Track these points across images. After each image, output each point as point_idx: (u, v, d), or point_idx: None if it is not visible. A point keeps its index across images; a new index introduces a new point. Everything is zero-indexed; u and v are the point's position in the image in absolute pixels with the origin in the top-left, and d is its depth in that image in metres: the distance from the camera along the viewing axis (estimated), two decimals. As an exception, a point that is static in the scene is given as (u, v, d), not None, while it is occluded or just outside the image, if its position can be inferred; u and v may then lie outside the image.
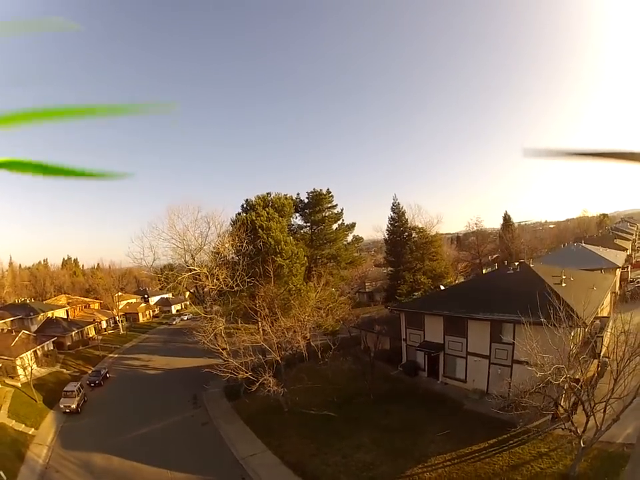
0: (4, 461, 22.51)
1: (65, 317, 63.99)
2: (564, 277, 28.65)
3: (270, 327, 30.38)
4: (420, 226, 53.95)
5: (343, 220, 50.52)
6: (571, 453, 18.11)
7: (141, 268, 45.60)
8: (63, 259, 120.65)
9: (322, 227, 50.04)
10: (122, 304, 77.53)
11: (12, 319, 51.68)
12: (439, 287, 45.47)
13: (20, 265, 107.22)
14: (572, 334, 18.03)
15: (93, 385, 38.94)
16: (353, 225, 51.30)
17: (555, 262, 43.43)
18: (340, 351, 34.81)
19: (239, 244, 38.52)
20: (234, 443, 25.95)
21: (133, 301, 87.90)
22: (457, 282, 62.66)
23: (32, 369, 34.90)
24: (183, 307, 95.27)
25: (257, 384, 26.74)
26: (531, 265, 32.42)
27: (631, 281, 50.48)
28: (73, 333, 55.27)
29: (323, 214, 49.76)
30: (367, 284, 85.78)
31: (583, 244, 58.01)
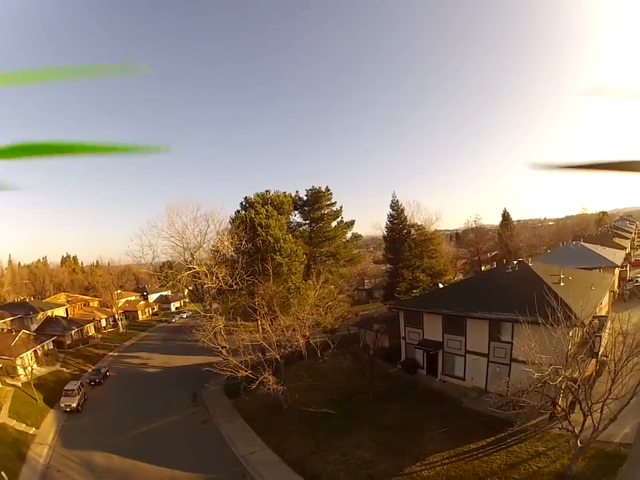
0: (5, 461, 22.59)
1: (65, 315, 64.07)
2: (562, 276, 28.74)
3: (269, 325, 30.47)
4: (419, 223, 53.92)
5: (342, 217, 50.59)
6: (568, 452, 18.21)
7: (140, 266, 45.57)
8: (62, 256, 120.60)
9: (321, 224, 50.08)
10: (121, 302, 77.58)
11: (12, 318, 51.67)
12: (438, 285, 45.56)
13: (19, 263, 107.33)
14: (570, 334, 18.13)
15: (93, 383, 39.05)
16: (351, 223, 51.34)
17: (554, 260, 43.53)
18: (339, 348, 34.93)
19: (238, 242, 38.52)
20: (234, 440, 26.08)
21: (132, 298, 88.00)
22: (455, 279, 62.80)
23: (32, 369, 34.93)
24: (182, 304, 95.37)
25: (257, 382, 26.82)
26: (530, 264, 32.51)
27: (629, 280, 50.51)
28: (73, 331, 55.36)
29: (322, 211, 49.78)
30: (365, 281, 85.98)
31: (582, 242, 58.04)
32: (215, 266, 38.27)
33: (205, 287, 39.28)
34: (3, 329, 45.54)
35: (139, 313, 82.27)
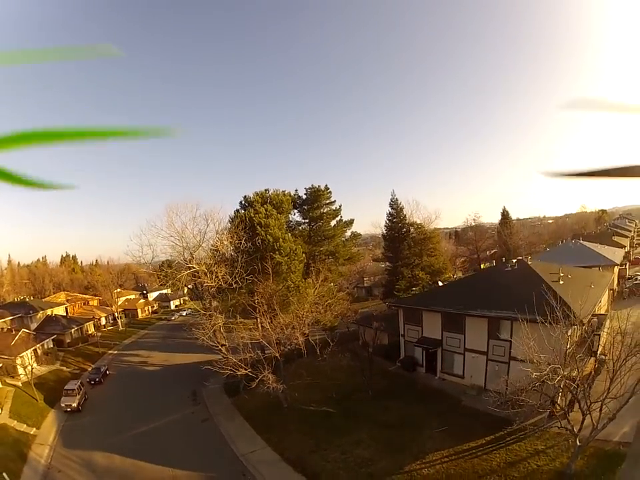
0: (6, 462, 22.60)
1: (64, 314, 63.97)
2: (562, 275, 28.72)
3: (269, 323, 30.51)
4: (418, 222, 53.91)
5: (341, 216, 50.55)
6: (567, 451, 18.25)
7: (140, 266, 45.60)
8: (62, 255, 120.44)
9: (320, 223, 50.04)
10: (121, 300, 77.46)
11: (11, 317, 51.69)
12: (437, 283, 45.61)
13: (19, 262, 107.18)
14: (569, 332, 18.17)
15: (93, 382, 39.02)
16: (351, 222, 51.33)
17: (553, 259, 43.53)
18: (338, 346, 34.95)
19: (237, 241, 38.54)
20: (234, 439, 26.15)
21: (132, 297, 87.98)
22: (455, 277, 62.89)
23: (32, 368, 34.90)
24: (182, 302, 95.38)
25: (257, 380, 26.84)
26: (529, 262, 32.53)
27: (629, 278, 50.38)
28: (73, 330, 55.38)
29: (321, 210, 49.74)
30: (365, 279, 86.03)
31: (581, 241, 57.94)
32: (214, 265, 38.29)
33: (204, 285, 39.34)
34: (2, 329, 45.48)
35: (139, 311, 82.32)
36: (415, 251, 50.98)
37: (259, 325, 33.91)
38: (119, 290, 79.61)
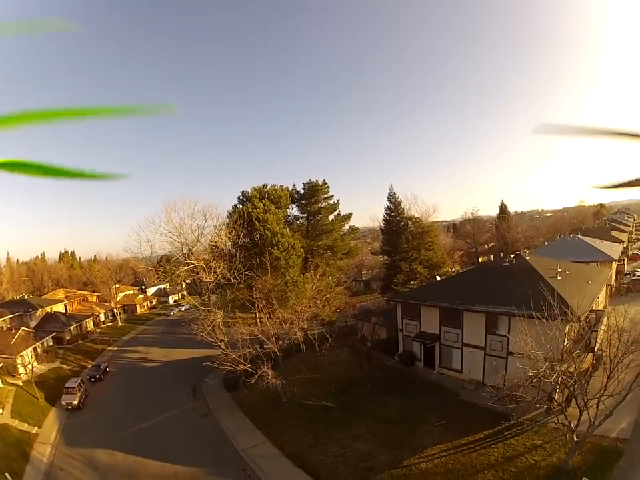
0: (9, 462, 22.71)
1: (64, 311, 63.91)
2: (559, 270, 28.76)
3: (267, 318, 30.61)
4: (416, 216, 54.01)
5: (339, 211, 50.58)
6: (564, 446, 18.41)
7: (138, 262, 45.61)
8: (60, 252, 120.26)
9: (318, 217, 50.06)
10: (119, 296, 77.44)
11: (11, 316, 51.70)
12: (435, 277, 45.76)
13: (17, 260, 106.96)
14: (566, 328, 18.26)
15: (93, 379, 39.07)
16: (349, 216, 51.36)
17: (551, 253, 43.61)
18: (337, 341, 35.09)
19: (235, 236, 38.54)
20: (234, 434, 26.34)
21: (131, 292, 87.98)
22: (453, 271, 63.04)
23: (32, 367, 34.92)
24: (180, 297, 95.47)
25: (256, 376, 26.96)
26: (527, 257, 32.52)
27: (627, 274, 50.52)
28: (72, 327, 55.38)
29: (319, 205, 49.72)
30: (363, 272, 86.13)
31: (580, 235, 57.93)
32: (212, 260, 38.30)
33: (203, 281, 39.38)
34: (2, 327, 45.41)
35: (138, 306, 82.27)
36: (413, 245, 51.08)
37: (258, 320, 34.02)
38: (117, 286, 79.56)
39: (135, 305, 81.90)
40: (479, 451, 19.89)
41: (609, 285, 39.73)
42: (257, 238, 39.75)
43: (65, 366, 43.85)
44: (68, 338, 53.02)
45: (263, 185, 46.15)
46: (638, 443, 17.64)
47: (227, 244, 41.08)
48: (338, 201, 50.26)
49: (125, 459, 23.99)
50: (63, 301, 68.32)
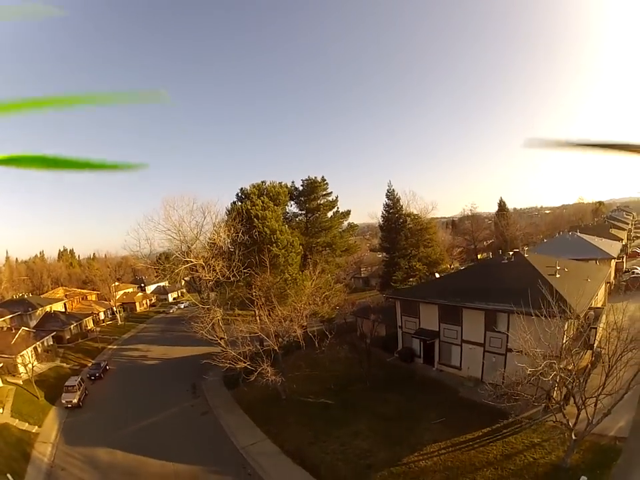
0: (10, 462, 22.71)
1: (63, 310, 63.90)
2: (558, 268, 28.66)
3: (267, 316, 30.64)
4: (415, 212, 53.88)
5: (337, 208, 50.47)
6: (563, 444, 18.41)
7: (137, 260, 45.57)
8: (59, 250, 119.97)
9: (317, 214, 49.95)
10: (119, 294, 77.52)
11: (11, 315, 51.65)
12: (434, 274, 45.80)
13: (17, 259, 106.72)
14: (565, 326, 18.26)
15: (93, 378, 39.12)
16: (347, 213, 51.32)
17: (550, 251, 43.53)
18: (336, 338, 35.12)
19: (234, 234, 38.49)
20: (234, 432, 26.39)
21: (130, 290, 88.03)
22: (452, 268, 63.07)
23: (33, 366, 34.88)
24: (180, 294, 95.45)
25: (256, 373, 26.99)
26: (526, 255, 32.43)
27: (625, 271, 50.38)
28: (72, 326, 55.48)
29: (318, 202, 49.61)
30: (362, 269, 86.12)
31: (579, 233, 57.85)
32: (211, 258, 38.27)
33: (202, 279, 39.36)
34: (2, 327, 45.40)
35: (137, 304, 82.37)
36: (412, 242, 50.98)
37: (257, 318, 34.04)
38: (117, 284, 79.56)
39: (135, 302, 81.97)
40: (478, 448, 19.93)
41: (607, 283, 39.65)
42: (255, 235, 39.70)
43: (65, 365, 43.88)
44: (68, 337, 53.09)
45: (262, 182, 46.05)
46: (637, 442, 17.62)
47: (226, 241, 41.02)
48: (337, 197, 50.21)
49: (125, 457, 23.99)
50: (63, 300, 68.21)
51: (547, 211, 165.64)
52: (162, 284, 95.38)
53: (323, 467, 20.84)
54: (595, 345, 23.17)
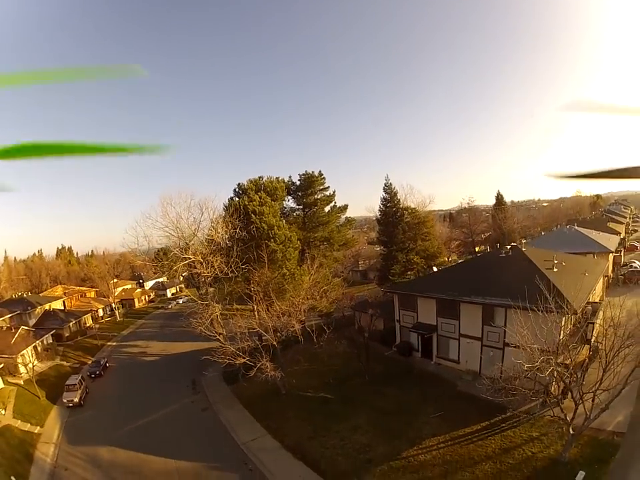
0: (14, 464, 22.71)
1: (62, 307, 63.86)
2: (556, 262, 28.64)
3: (265, 311, 30.68)
4: (412, 206, 53.93)
5: (335, 202, 50.52)
6: (561, 439, 18.56)
7: (135, 257, 45.48)
8: (57, 248, 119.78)
9: (314, 209, 49.97)
10: (117, 291, 77.45)
11: (10, 315, 51.50)
12: (432, 268, 45.91)
13: (15, 258, 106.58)
14: (562, 321, 18.30)
15: (93, 375, 39.05)
16: (345, 207, 51.34)
17: (548, 244, 43.58)
18: (335, 332, 35.22)
19: (232, 230, 38.44)
20: (234, 427, 26.51)
21: (129, 286, 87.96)
22: (449, 261, 63.21)
23: (33, 365, 34.76)
24: (178, 290, 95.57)
25: (255, 368, 27.05)
26: (523, 249, 32.31)
27: (623, 265, 50.43)
28: (71, 323, 55.41)
29: (315, 196, 49.61)
30: (360, 262, 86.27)
31: (576, 226, 57.88)
32: (210, 254, 38.25)
33: (200, 274, 39.34)
34: (2, 327, 45.24)
35: (136, 300, 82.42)
36: (410, 236, 51.03)
37: (256, 313, 34.08)
38: (115, 280, 79.46)
39: (133, 299, 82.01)
40: (477, 442, 20.07)
41: (605, 277, 39.67)
42: (253, 231, 39.69)
43: (65, 363, 43.84)
44: (67, 335, 53.01)
45: (259, 177, 45.93)
46: (635, 437, 17.74)
47: (224, 237, 40.98)
48: (334, 192, 50.26)
49: (127, 455, 24.03)
50: (62, 298, 68.12)
51: (545, 204, 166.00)
52: (160, 280, 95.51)
53: (323, 461, 20.96)
54: (593, 340, 23.25)
